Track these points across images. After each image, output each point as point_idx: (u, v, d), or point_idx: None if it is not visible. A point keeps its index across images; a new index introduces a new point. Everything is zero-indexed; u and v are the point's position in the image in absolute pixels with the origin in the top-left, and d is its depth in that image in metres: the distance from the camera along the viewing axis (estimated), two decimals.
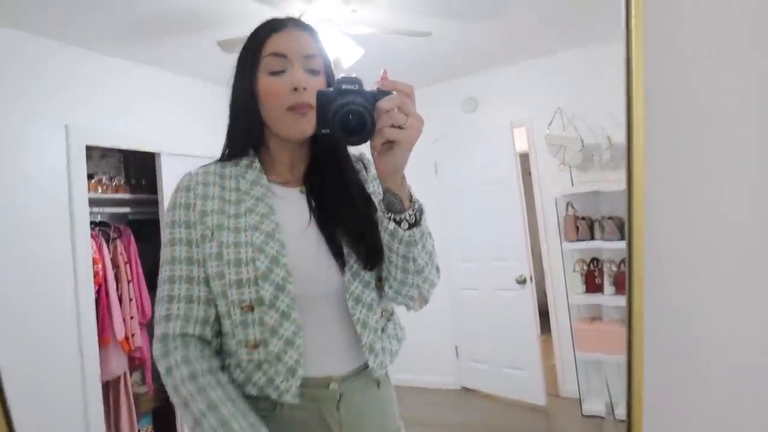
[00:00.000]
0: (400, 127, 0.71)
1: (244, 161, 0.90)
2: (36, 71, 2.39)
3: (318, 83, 0.86)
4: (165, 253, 0.85)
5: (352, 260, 0.86)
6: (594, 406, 3.03)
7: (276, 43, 0.86)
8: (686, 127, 0.91)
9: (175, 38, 2.58)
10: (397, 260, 0.81)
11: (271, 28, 0.88)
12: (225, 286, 0.82)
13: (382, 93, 0.73)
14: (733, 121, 0.88)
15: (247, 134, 0.90)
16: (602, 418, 2.93)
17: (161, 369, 0.81)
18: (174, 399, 0.79)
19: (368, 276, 0.87)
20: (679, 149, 0.91)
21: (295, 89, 0.83)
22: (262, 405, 0.83)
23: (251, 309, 0.81)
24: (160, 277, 0.86)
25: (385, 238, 0.80)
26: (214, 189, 0.87)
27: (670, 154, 0.91)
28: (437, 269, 0.90)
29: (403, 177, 0.78)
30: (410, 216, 0.78)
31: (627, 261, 0.88)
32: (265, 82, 0.85)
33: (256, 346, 0.81)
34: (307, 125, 0.85)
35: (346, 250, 0.86)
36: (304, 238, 0.86)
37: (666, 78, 0.90)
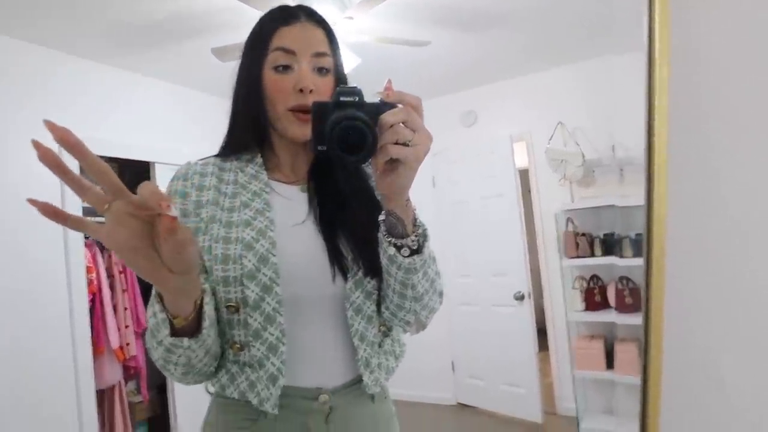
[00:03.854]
0: (405, 144, 0.64)
1: (246, 156, 0.86)
2: (33, 79, 2.40)
3: (326, 84, 0.81)
4: None
5: (355, 267, 0.80)
6: (592, 424, 2.98)
7: (284, 37, 0.81)
8: (713, 138, 0.86)
9: (170, 46, 2.57)
10: (395, 285, 0.76)
11: (281, 19, 0.83)
12: (213, 283, 0.76)
13: (386, 105, 0.65)
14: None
15: (247, 130, 0.85)
16: None
17: (151, 353, 0.72)
18: (157, 360, 0.72)
19: (371, 286, 0.81)
20: (705, 160, 0.86)
21: (301, 90, 0.78)
22: (245, 413, 0.79)
23: (236, 309, 0.76)
24: None
25: (383, 261, 0.75)
26: (210, 179, 0.83)
27: (695, 166, 0.85)
28: (440, 294, 0.84)
29: (408, 199, 0.71)
30: (412, 242, 0.72)
31: (644, 279, 0.83)
32: (269, 78, 0.80)
33: (240, 348, 0.77)
34: (308, 130, 0.81)
35: (350, 256, 0.80)
36: (299, 237, 0.80)
37: (692, 82, 0.84)
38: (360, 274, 0.80)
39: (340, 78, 0.84)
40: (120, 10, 2.18)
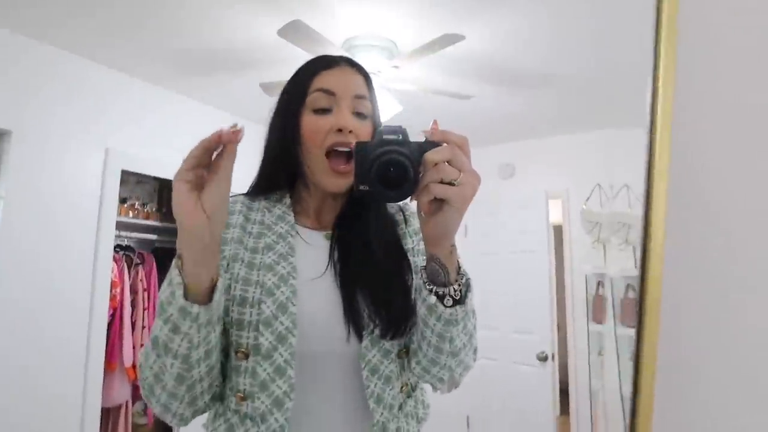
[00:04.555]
0: (451, 183, 0.61)
1: (275, 196, 0.85)
2: (81, 92, 2.47)
3: (364, 128, 0.80)
4: None
5: (371, 325, 0.76)
6: None
7: (325, 79, 0.81)
8: (712, 209, 0.86)
9: (219, 74, 2.64)
10: (432, 337, 0.71)
11: (322, 63, 0.83)
12: (228, 324, 0.74)
13: (430, 144, 0.63)
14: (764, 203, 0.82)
15: (278, 172, 0.84)
16: None
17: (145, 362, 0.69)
18: (144, 373, 0.68)
19: (389, 345, 0.77)
20: (702, 233, 0.85)
21: (339, 130, 0.77)
22: None
23: (246, 356, 0.73)
24: None
25: (421, 310, 0.70)
26: (237, 218, 0.81)
27: (692, 239, 0.85)
28: (475, 350, 0.79)
29: (453, 245, 0.67)
30: (455, 292, 0.67)
31: (635, 348, 0.79)
32: (308, 120, 0.80)
33: (244, 398, 0.73)
34: (343, 182, 0.79)
35: (366, 312, 0.76)
36: (318, 289, 0.77)
37: (692, 163, 0.85)
38: (377, 332, 0.75)
39: (377, 125, 0.83)
40: (183, 37, 2.25)
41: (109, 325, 2.59)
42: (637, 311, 0.80)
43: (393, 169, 0.62)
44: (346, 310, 0.76)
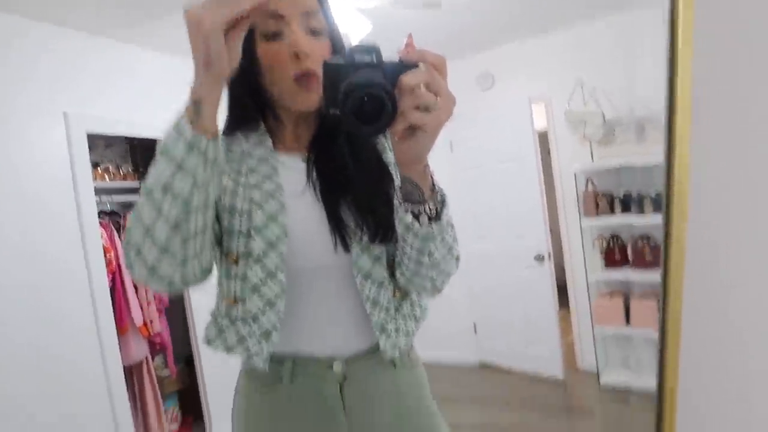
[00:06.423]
0: (426, 109, 0.58)
1: (249, 126, 0.83)
2: (31, 56, 2.29)
3: (321, 47, 0.76)
4: None
5: (360, 232, 0.78)
6: (612, 378, 3.04)
7: (270, 1, 0.77)
8: (740, 88, 0.82)
9: (178, 20, 2.46)
10: (411, 252, 0.72)
11: None
12: (218, 231, 0.77)
13: (405, 66, 0.58)
14: None
15: (246, 105, 0.81)
16: (620, 389, 2.94)
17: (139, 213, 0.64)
18: (132, 227, 0.63)
19: (378, 251, 0.79)
20: (730, 111, 0.83)
21: (297, 56, 0.73)
22: (264, 380, 0.81)
23: (235, 261, 0.75)
24: None
25: (399, 229, 0.72)
26: None
27: (718, 128, 0.82)
28: (457, 258, 0.80)
29: (426, 165, 0.67)
30: (430, 209, 0.68)
31: (663, 237, 0.80)
32: (262, 49, 0.75)
33: (234, 301, 0.77)
34: (316, 98, 0.75)
35: (353, 220, 0.78)
36: (302, 206, 0.78)
37: (715, 37, 0.81)
38: (365, 239, 0.77)
39: (336, 41, 0.79)
40: None
41: (112, 290, 2.60)
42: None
43: (368, 101, 0.57)
44: (331, 220, 0.77)
